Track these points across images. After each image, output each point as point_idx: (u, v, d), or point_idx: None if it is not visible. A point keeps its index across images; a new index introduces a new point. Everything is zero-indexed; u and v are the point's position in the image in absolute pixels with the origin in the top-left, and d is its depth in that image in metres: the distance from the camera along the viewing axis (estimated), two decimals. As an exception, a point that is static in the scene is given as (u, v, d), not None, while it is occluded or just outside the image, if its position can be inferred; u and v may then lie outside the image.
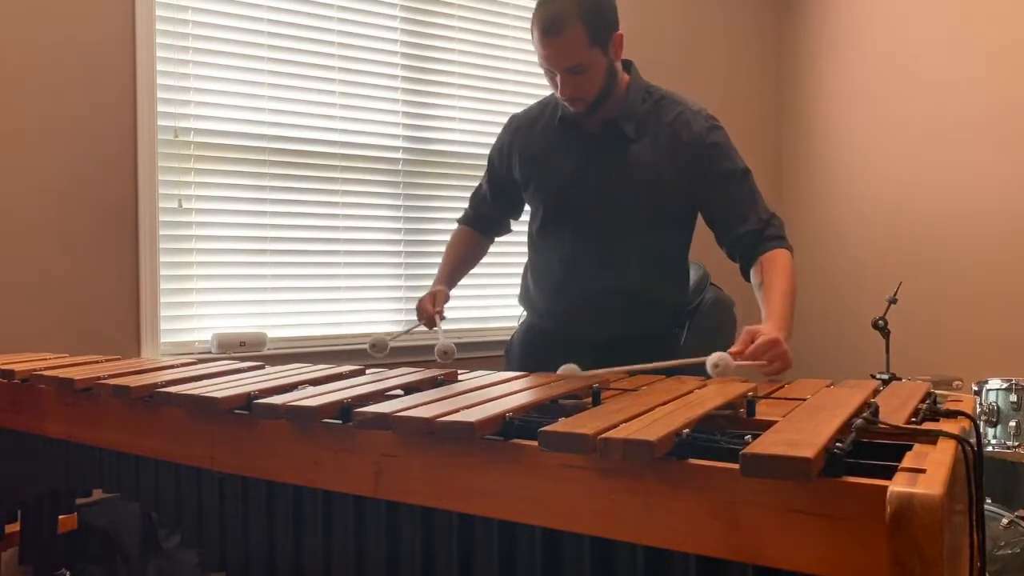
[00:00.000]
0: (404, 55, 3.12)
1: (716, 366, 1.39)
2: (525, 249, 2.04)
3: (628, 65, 1.81)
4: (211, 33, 2.74)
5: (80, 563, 2.27)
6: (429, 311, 1.81)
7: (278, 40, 2.86)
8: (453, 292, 1.97)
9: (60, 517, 1.87)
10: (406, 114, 3.12)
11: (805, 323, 4.11)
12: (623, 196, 1.76)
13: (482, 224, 2.08)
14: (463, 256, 2.05)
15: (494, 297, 3.27)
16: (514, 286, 2.14)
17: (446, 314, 1.88)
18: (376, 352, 1.82)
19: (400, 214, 3.10)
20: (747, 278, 1.76)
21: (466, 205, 2.14)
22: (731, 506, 0.85)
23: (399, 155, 3.11)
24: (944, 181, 3.55)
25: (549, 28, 1.61)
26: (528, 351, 1.96)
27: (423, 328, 1.90)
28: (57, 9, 2.47)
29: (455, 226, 2.15)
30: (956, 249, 3.50)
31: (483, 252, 2.11)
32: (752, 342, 1.45)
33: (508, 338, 2.16)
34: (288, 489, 1.27)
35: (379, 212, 3.08)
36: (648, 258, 1.81)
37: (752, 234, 1.72)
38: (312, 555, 1.24)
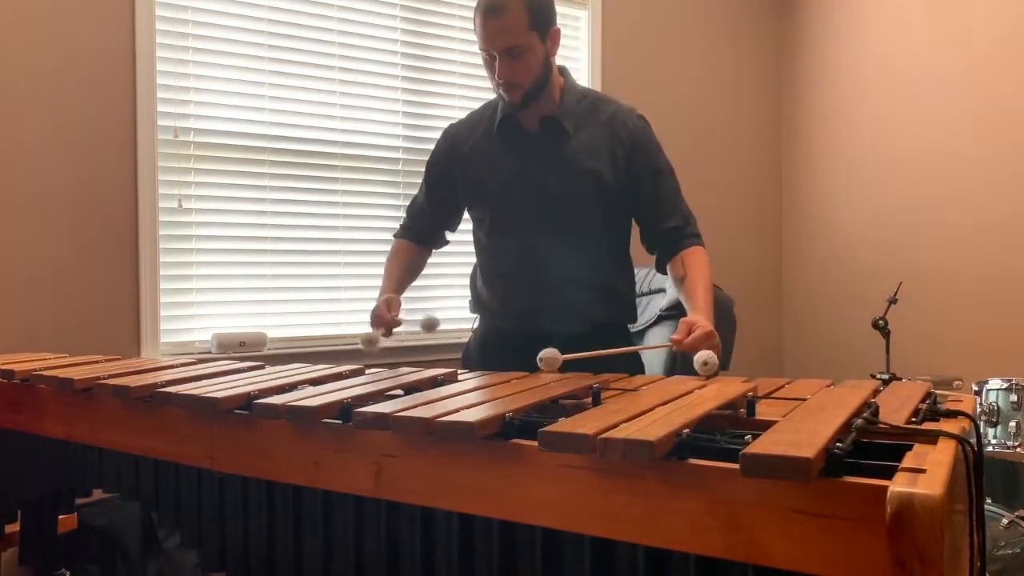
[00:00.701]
0: (404, 55, 3.12)
1: (705, 364, 1.45)
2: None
3: (563, 70, 1.90)
4: (211, 33, 2.74)
5: (80, 563, 2.27)
6: (387, 317, 1.78)
7: (278, 40, 2.86)
8: (442, 293, 1.96)
9: (60, 517, 1.88)
10: (406, 114, 3.12)
11: (805, 323, 4.12)
12: (566, 191, 1.82)
13: (420, 236, 2.06)
14: (406, 268, 2.02)
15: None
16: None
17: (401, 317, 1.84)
18: (368, 347, 1.80)
19: (400, 214, 3.08)
20: (662, 270, 1.89)
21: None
22: (731, 506, 0.85)
23: (399, 155, 3.11)
24: (944, 181, 3.55)
25: (492, 9, 1.71)
26: (487, 353, 1.96)
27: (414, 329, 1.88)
28: (57, 10, 2.47)
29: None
30: (956, 249, 3.50)
31: (422, 265, 2.09)
32: (690, 333, 1.56)
33: None
34: (288, 489, 1.27)
35: (379, 212, 3.08)
36: (596, 251, 1.87)
37: (675, 230, 1.85)
38: (312, 555, 1.24)
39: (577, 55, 3.55)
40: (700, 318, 1.63)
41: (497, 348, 1.95)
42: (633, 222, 1.94)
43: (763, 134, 4.20)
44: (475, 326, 2.07)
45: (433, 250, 2.10)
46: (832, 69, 4.00)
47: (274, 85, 2.85)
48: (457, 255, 3.00)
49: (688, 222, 1.87)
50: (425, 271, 2.14)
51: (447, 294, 3.13)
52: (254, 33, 2.81)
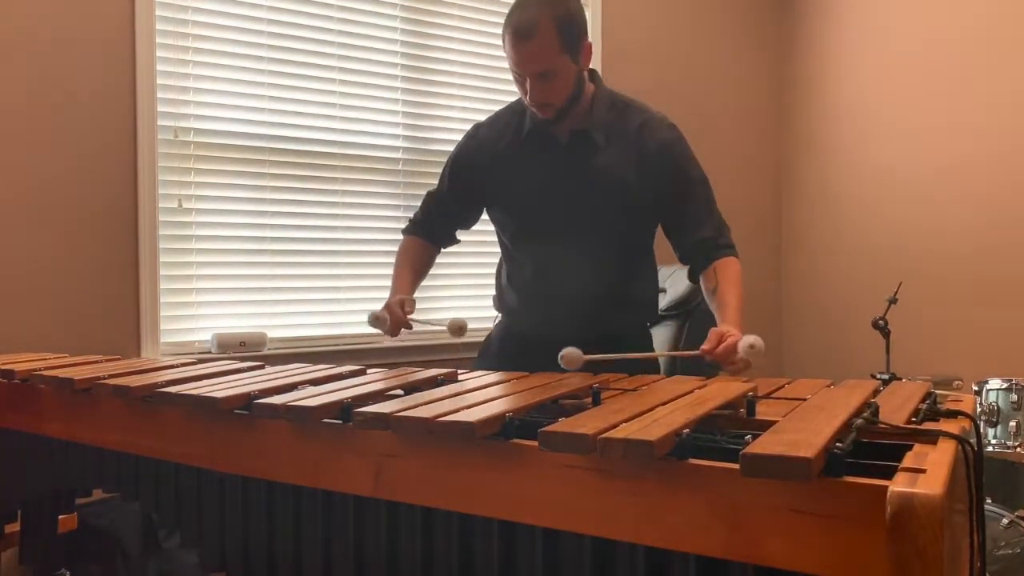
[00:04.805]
0: (404, 55, 3.12)
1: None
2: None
3: (593, 74, 1.85)
4: (211, 33, 2.74)
5: (80, 563, 2.27)
6: (400, 316, 1.75)
7: (278, 40, 2.86)
8: (456, 293, 1.96)
9: (60, 517, 1.87)
10: (406, 114, 3.12)
11: (805, 323, 4.12)
12: (593, 203, 1.80)
13: (433, 232, 2.01)
14: (418, 267, 1.97)
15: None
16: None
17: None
18: (379, 325, 1.78)
19: (400, 214, 3.09)
20: (694, 280, 1.86)
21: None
22: (731, 506, 0.85)
23: (399, 155, 3.11)
24: (945, 181, 3.55)
25: (522, 33, 1.65)
26: (505, 352, 1.96)
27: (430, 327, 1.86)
28: (57, 9, 2.47)
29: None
30: (956, 249, 3.50)
31: (431, 264, 2.05)
32: (720, 343, 1.52)
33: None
34: (288, 489, 1.27)
35: (379, 212, 3.08)
36: (619, 260, 1.85)
37: (708, 240, 1.81)
38: (312, 555, 1.24)
39: (577, 55, 3.54)
40: (731, 328, 1.58)
41: (515, 351, 1.94)
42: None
43: (763, 133, 4.20)
44: (496, 322, 2.06)
45: (443, 249, 2.06)
46: (833, 69, 4.00)
47: (274, 85, 2.85)
48: (474, 255, 3.02)
49: (721, 232, 1.83)
50: (440, 269, 2.09)
51: (462, 293, 3.14)
52: (254, 33, 2.81)
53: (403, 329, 1.78)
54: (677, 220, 1.84)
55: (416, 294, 1.93)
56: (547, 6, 1.66)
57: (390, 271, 2.00)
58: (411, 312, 1.79)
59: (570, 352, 1.48)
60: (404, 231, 2.06)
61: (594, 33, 3.54)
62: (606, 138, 1.80)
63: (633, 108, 1.85)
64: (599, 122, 1.80)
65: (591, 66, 1.83)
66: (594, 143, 1.79)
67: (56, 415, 1.64)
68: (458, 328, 1.77)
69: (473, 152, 1.93)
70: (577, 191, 1.80)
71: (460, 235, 2.07)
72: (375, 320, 1.77)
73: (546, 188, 1.82)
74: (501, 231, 1.96)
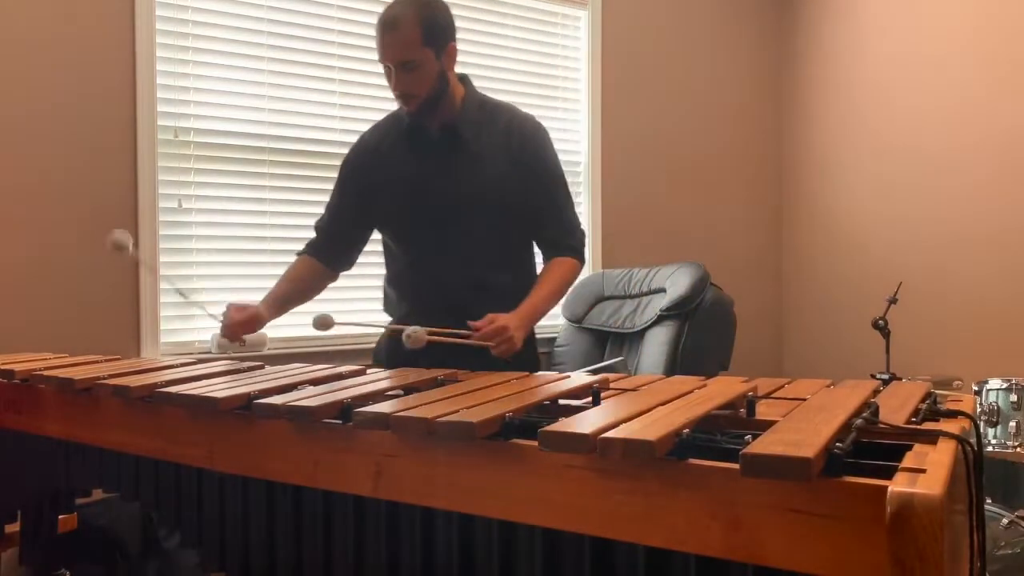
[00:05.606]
0: (404, 55, 3.11)
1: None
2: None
3: (464, 79, 1.98)
4: (211, 33, 2.74)
5: (80, 563, 2.27)
6: (233, 321, 1.85)
7: (278, 40, 2.86)
8: None
9: (60, 517, 1.87)
10: (406, 114, 3.12)
11: (805, 323, 4.12)
12: (465, 194, 1.90)
13: (325, 251, 2.05)
14: (296, 286, 2.03)
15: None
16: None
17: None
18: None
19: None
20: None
21: None
22: (731, 506, 0.85)
23: (399, 155, 3.11)
24: (945, 181, 3.55)
25: (387, 24, 1.81)
26: (394, 352, 1.98)
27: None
28: (57, 9, 2.47)
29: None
30: (956, 249, 3.50)
31: (319, 288, 2.07)
32: (490, 324, 1.73)
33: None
34: (288, 489, 1.27)
35: (379, 212, 3.08)
36: (490, 252, 1.94)
37: (553, 238, 1.97)
38: (312, 555, 1.24)
39: (577, 55, 3.54)
40: (508, 316, 1.76)
41: (401, 348, 1.95)
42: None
43: (763, 133, 4.20)
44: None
45: (339, 272, 2.10)
46: (832, 70, 4.00)
47: (274, 85, 2.85)
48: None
49: (567, 232, 1.96)
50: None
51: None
52: (254, 33, 2.81)
53: (237, 340, 1.88)
54: (535, 215, 1.95)
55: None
56: (413, 4, 1.82)
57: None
58: (251, 330, 1.88)
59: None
60: (297, 252, 2.10)
61: (594, 34, 3.54)
62: (475, 134, 1.91)
63: (501, 108, 1.98)
64: (468, 120, 1.92)
65: (462, 72, 1.97)
66: (463, 138, 1.90)
67: (56, 415, 1.64)
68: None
69: (359, 153, 2.04)
70: (447, 183, 1.91)
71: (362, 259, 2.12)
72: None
73: (419, 182, 1.93)
74: (382, 229, 2.04)
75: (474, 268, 1.91)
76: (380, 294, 2.12)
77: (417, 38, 1.80)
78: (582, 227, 2.01)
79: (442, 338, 1.74)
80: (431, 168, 1.92)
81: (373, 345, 2.13)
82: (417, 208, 1.93)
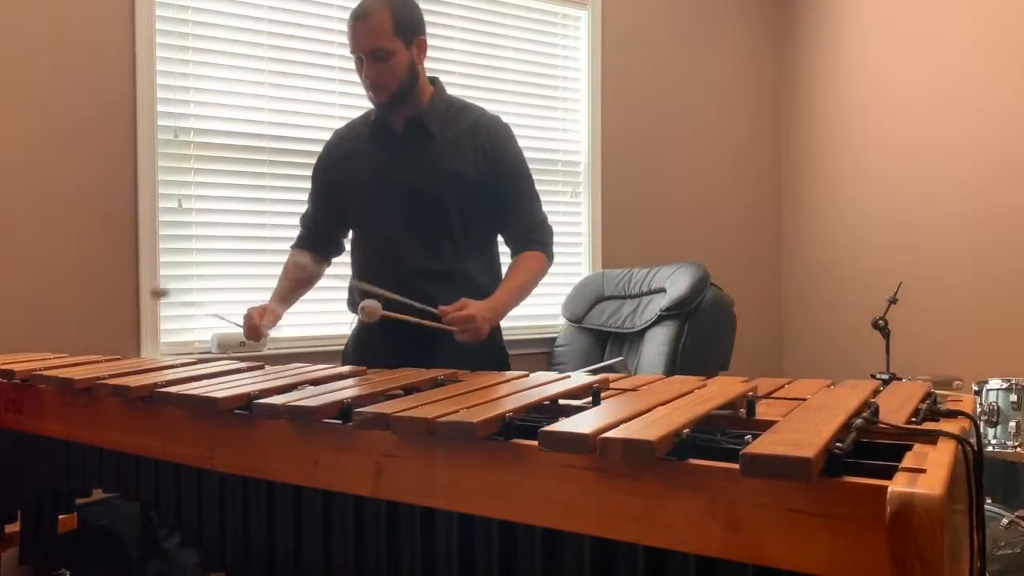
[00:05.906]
0: (404, 55, 3.11)
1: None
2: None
3: (435, 80, 2.03)
4: (211, 33, 2.74)
5: (80, 563, 2.27)
6: (253, 323, 1.90)
7: (278, 40, 2.86)
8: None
9: (60, 517, 1.87)
10: (406, 114, 3.12)
11: (805, 323, 4.12)
12: (428, 187, 1.93)
13: (314, 243, 2.14)
14: (297, 280, 2.12)
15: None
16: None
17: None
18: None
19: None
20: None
21: None
22: (731, 506, 0.85)
23: (399, 155, 3.11)
24: (945, 181, 3.55)
25: (359, 15, 1.86)
26: (362, 347, 2.05)
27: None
28: (57, 10, 2.47)
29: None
30: (956, 249, 3.50)
31: (318, 275, 2.17)
32: (459, 310, 1.77)
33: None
34: (288, 489, 1.27)
35: (379, 212, 3.08)
36: (457, 241, 1.96)
37: (521, 233, 1.99)
38: (312, 555, 1.24)
39: (577, 55, 3.54)
40: (478, 304, 1.80)
41: (370, 342, 2.02)
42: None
43: (763, 134, 4.20)
44: (352, 325, 2.12)
45: (331, 259, 2.18)
46: (832, 70, 4.00)
47: (274, 85, 2.85)
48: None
49: (535, 228, 1.99)
50: None
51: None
52: (254, 33, 2.81)
53: (261, 336, 1.92)
54: (501, 211, 1.99)
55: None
56: None
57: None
58: (269, 322, 1.93)
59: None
60: (291, 247, 2.18)
61: (594, 34, 3.54)
62: (440, 129, 1.95)
63: (469, 108, 2.02)
64: (435, 115, 1.96)
65: (431, 75, 2.02)
66: (428, 132, 1.94)
67: (56, 415, 1.64)
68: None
69: (327, 148, 2.11)
70: (412, 177, 1.94)
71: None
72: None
73: (383, 175, 1.96)
74: (349, 221, 2.08)
75: (435, 257, 1.94)
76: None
77: (388, 27, 1.84)
78: (550, 224, 2.03)
79: (407, 316, 1.78)
80: (393, 158, 1.96)
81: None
82: (379, 202, 1.97)
